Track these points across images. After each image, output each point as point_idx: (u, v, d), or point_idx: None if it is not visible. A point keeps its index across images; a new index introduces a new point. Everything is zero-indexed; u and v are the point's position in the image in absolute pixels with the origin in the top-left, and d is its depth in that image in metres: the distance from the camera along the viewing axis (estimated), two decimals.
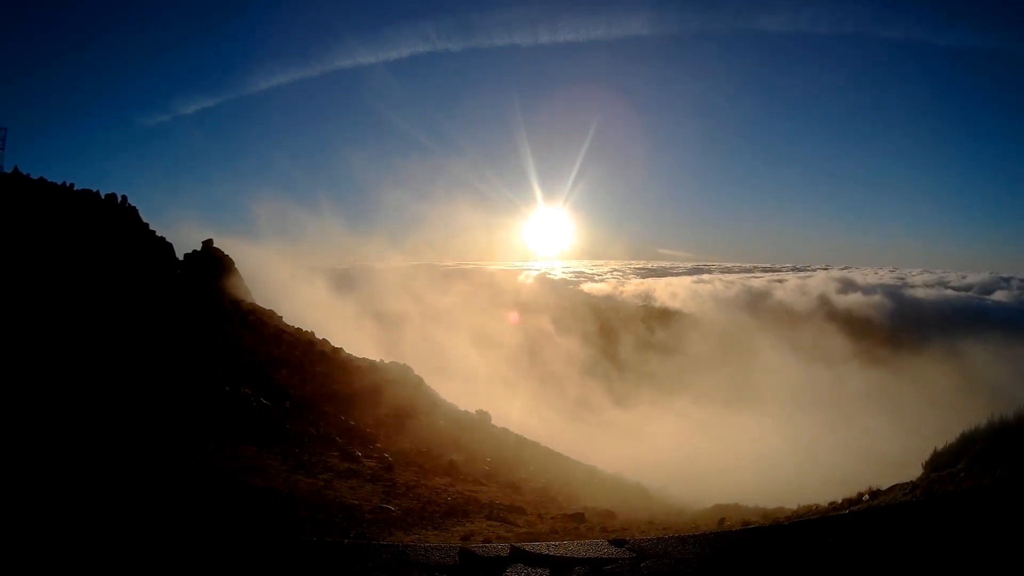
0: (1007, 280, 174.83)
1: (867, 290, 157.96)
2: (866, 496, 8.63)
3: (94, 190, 27.11)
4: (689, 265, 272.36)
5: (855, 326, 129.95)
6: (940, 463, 8.45)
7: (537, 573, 4.41)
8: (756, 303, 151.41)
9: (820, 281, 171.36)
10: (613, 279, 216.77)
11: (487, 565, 4.56)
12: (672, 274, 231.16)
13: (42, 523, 5.49)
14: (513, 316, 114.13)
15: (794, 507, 12.01)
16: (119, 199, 27.62)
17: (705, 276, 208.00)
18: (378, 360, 29.10)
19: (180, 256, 29.66)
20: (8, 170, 25.02)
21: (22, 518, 5.66)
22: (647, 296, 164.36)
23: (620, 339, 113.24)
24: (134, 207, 27.93)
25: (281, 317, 30.15)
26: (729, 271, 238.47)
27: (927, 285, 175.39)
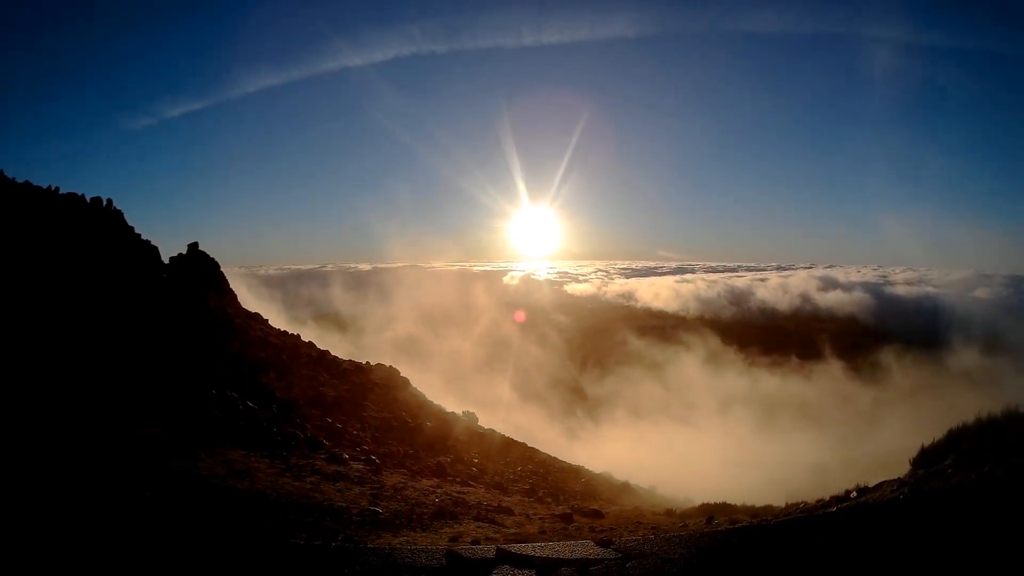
0: (988, 277, 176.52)
1: (847, 287, 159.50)
2: (853, 493, 8.64)
3: (79, 194, 26.82)
4: (673, 265, 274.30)
5: (834, 323, 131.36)
6: (928, 460, 8.47)
7: (523, 574, 4.39)
8: (737, 302, 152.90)
9: (801, 279, 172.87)
10: (597, 280, 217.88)
11: (473, 567, 4.54)
12: (656, 274, 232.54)
13: (26, 528, 5.42)
14: (497, 318, 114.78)
15: (782, 504, 12.04)
16: (104, 202, 27.32)
17: (688, 276, 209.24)
18: (364, 362, 29.04)
19: (166, 260, 29.41)
20: None
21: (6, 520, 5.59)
22: (629, 296, 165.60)
23: (598, 343, 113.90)
24: (119, 210, 27.61)
25: (267, 320, 30.00)
26: (714, 270, 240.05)
27: (908, 283, 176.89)
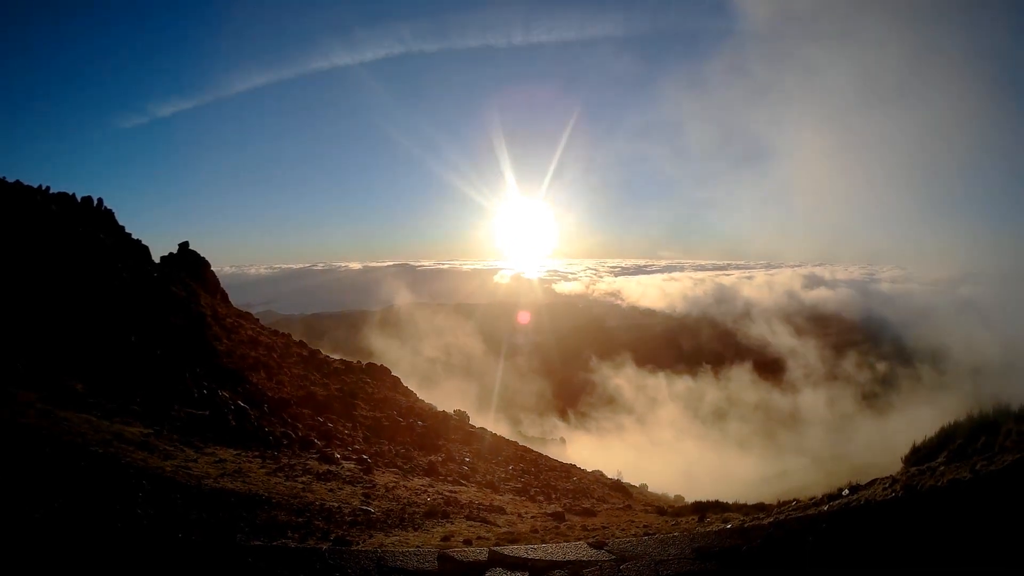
0: (975, 275, 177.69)
1: (831, 284, 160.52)
2: (846, 491, 8.65)
3: (70, 193, 26.77)
4: (663, 263, 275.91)
5: (816, 321, 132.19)
6: (920, 457, 8.49)
7: None
8: (724, 300, 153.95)
9: (786, 277, 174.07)
10: (586, 278, 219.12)
11: (466, 570, 4.50)
12: (645, 272, 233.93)
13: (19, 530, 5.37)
14: (487, 316, 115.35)
15: (774, 502, 12.05)
16: (95, 202, 27.27)
17: (676, 274, 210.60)
18: (355, 361, 28.98)
19: (157, 259, 29.27)
20: None
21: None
22: (616, 295, 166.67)
23: (583, 342, 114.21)
24: (110, 210, 27.58)
25: (258, 319, 29.88)
26: (703, 268, 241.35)
27: (893, 280, 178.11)
